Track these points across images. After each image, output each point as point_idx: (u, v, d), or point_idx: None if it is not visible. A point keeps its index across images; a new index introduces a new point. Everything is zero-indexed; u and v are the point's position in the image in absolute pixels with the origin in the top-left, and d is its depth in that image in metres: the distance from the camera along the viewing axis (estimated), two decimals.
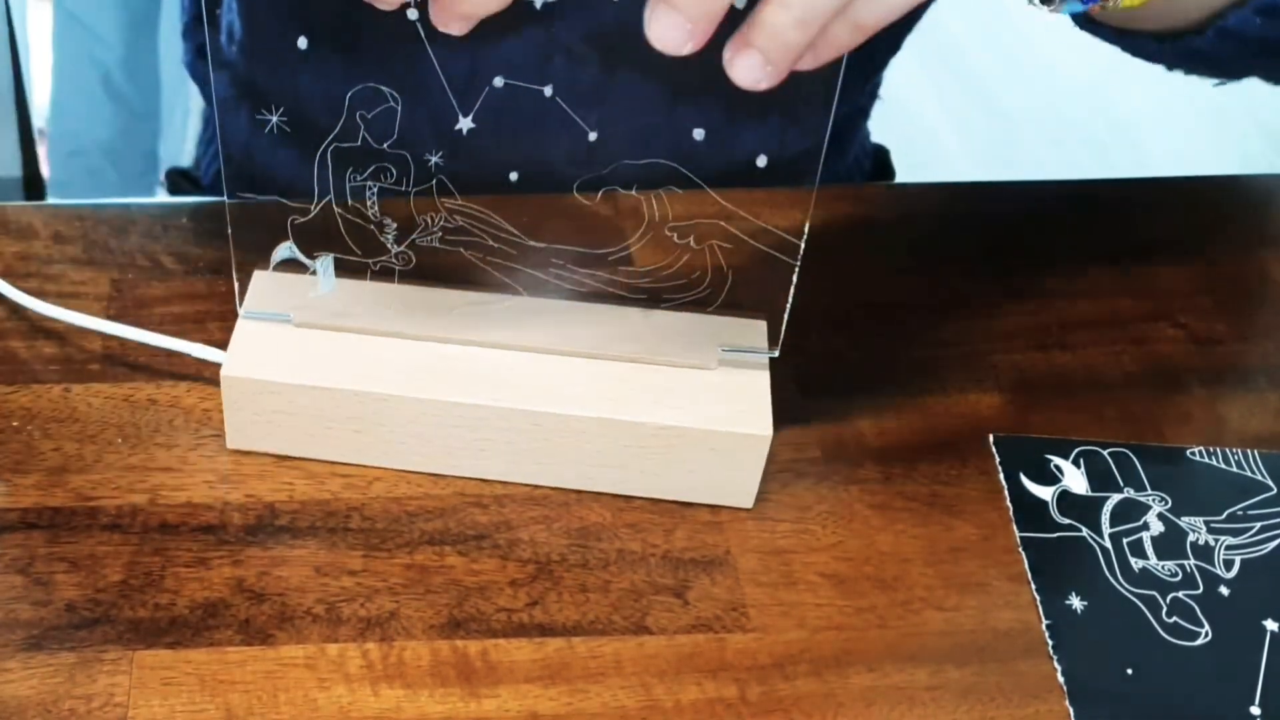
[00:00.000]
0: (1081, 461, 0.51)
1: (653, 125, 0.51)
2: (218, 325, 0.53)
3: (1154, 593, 0.48)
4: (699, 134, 0.46)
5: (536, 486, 0.49)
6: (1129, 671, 0.46)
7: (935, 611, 0.47)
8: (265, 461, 0.49)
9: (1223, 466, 0.51)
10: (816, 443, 0.51)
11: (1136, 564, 0.48)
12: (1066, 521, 0.49)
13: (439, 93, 0.46)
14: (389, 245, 0.49)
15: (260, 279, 0.50)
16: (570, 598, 0.46)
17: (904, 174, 0.80)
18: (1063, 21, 0.50)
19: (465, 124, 0.46)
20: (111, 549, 0.47)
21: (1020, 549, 0.49)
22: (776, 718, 0.44)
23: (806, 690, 0.45)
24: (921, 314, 0.56)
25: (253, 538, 0.47)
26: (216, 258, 0.56)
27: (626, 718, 0.44)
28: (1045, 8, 0.46)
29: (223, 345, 0.49)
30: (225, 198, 0.47)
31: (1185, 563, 0.48)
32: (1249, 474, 0.51)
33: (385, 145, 0.47)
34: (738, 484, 0.49)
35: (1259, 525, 0.50)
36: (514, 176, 0.49)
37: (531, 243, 0.49)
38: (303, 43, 0.46)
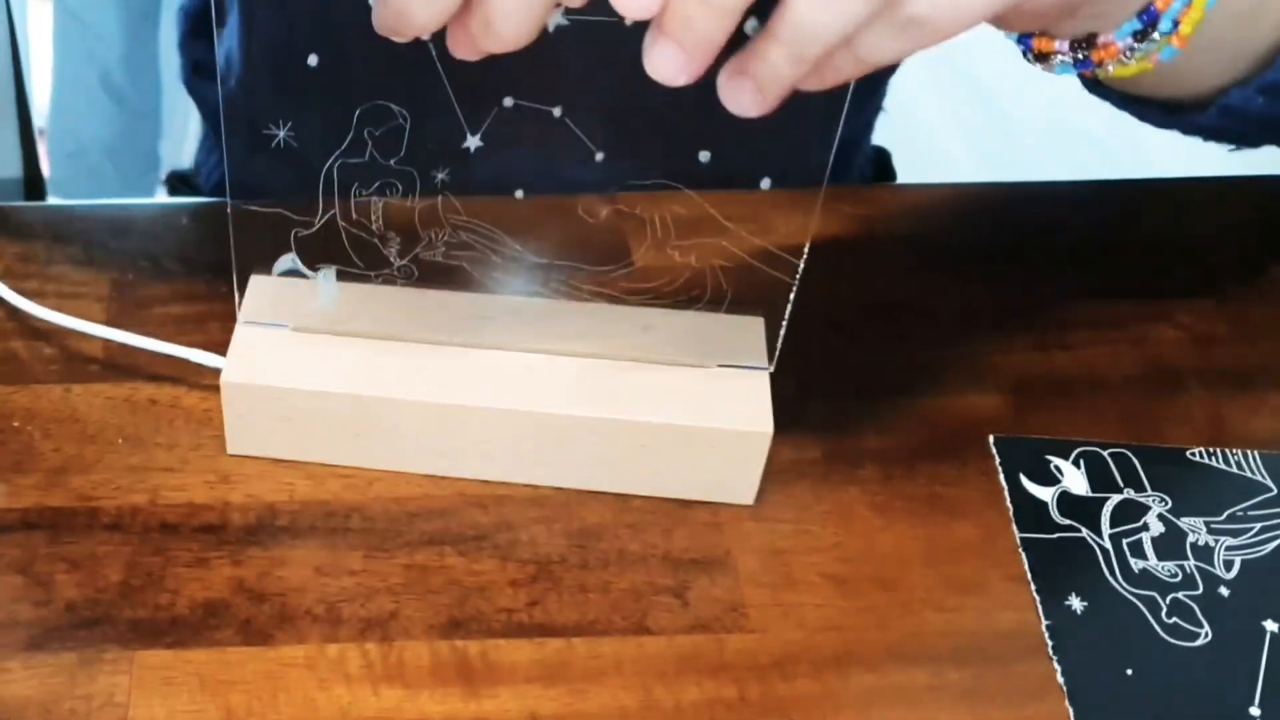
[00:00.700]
0: (1081, 462, 0.51)
1: (659, 147, 0.51)
2: (218, 326, 0.53)
3: (1154, 593, 0.48)
4: (704, 156, 0.46)
5: (536, 487, 0.49)
6: (1129, 672, 0.46)
7: (935, 612, 0.47)
8: (265, 462, 0.49)
9: (1222, 467, 0.51)
10: (816, 443, 0.51)
11: (1136, 565, 0.48)
12: (1066, 522, 0.49)
13: (447, 111, 0.46)
14: (392, 258, 0.49)
15: (259, 284, 0.49)
16: (570, 598, 0.46)
17: (905, 175, 0.80)
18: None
19: (473, 142, 0.47)
20: (112, 549, 0.47)
21: (1020, 550, 0.49)
22: (776, 718, 0.44)
23: (806, 691, 0.45)
24: (921, 314, 0.56)
25: (253, 538, 0.47)
26: (217, 258, 0.56)
27: (626, 718, 0.44)
28: (1039, 65, 0.46)
29: (223, 347, 0.49)
30: (228, 201, 0.47)
31: (1185, 563, 0.48)
32: (1249, 475, 0.51)
33: (392, 161, 0.47)
34: (739, 482, 0.49)
35: (1259, 526, 0.50)
36: (520, 194, 0.49)
37: (533, 257, 0.49)
38: (313, 60, 0.46)
